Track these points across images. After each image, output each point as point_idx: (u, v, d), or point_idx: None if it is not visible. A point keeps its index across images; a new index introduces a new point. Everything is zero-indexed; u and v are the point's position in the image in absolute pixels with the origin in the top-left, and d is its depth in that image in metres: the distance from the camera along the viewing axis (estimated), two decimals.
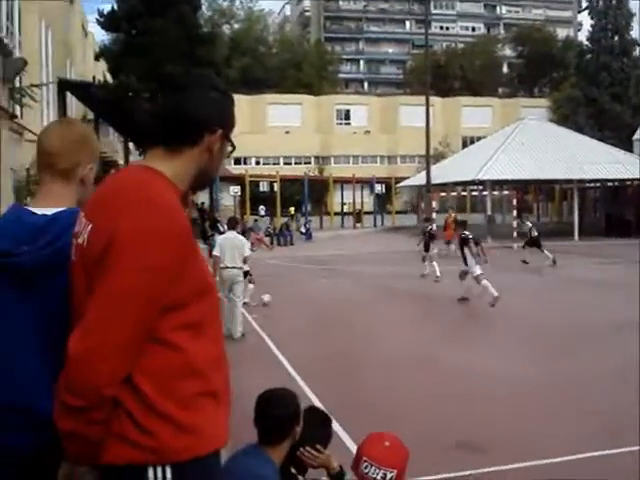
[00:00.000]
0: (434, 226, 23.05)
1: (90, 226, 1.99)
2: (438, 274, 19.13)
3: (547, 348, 11.02)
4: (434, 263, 19.85)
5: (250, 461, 3.23)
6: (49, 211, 2.37)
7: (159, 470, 1.91)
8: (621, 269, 22.34)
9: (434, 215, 30.35)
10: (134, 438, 1.89)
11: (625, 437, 6.65)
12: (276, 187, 43.40)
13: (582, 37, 56.24)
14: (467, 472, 5.76)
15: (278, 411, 3.30)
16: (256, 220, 36.26)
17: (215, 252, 11.81)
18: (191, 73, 2.20)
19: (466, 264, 15.43)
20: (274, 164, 63.63)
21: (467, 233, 15.90)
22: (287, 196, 47.03)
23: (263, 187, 44.26)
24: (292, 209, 43.84)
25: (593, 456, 6.24)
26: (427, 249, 20.54)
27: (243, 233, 14.73)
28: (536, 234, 24.38)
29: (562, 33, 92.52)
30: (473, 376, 9.15)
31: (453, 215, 28.60)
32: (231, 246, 11.77)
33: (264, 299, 14.77)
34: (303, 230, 39.69)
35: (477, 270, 15.06)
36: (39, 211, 2.39)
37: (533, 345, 11.24)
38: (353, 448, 5.97)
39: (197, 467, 1.94)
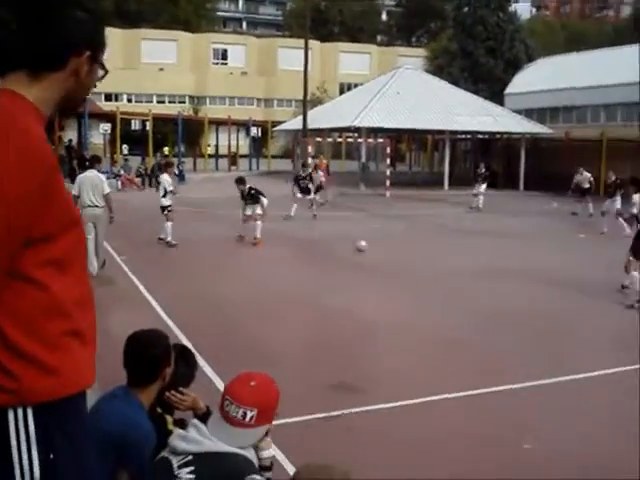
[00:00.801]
0: (309, 170, 23.10)
1: None
2: (292, 214, 20.60)
3: (418, 292, 11.30)
4: (294, 205, 20.98)
5: (118, 403, 3.10)
6: None
7: (20, 412, 1.80)
8: (486, 217, 23.15)
9: (310, 160, 30.34)
10: None
11: (498, 377, 6.90)
12: (148, 126, 42.13)
13: None
14: (339, 412, 5.81)
15: (147, 352, 3.16)
16: (126, 160, 35.16)
17: (74, 191, 11.51)
18: None
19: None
20: (147, 102, 61.59)
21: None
22: (160, 136, 45.81)
23: (135, 125, 42.85)
24: (166, 149, 42.74)
25: (461, 396, 6.43)
26: (305, 192, 21.39)
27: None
28: None
29: None
30: (348, 319, 9.25)
31: (325, 161, 28.78)
32: (91, 185, 11.81)
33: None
34: (176, 172, 38.77)
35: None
36: None
37: (405, 290, 11.49)
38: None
39: (61, 408, 1.85)
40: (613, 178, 21.39)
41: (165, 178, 15.91)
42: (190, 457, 2.65)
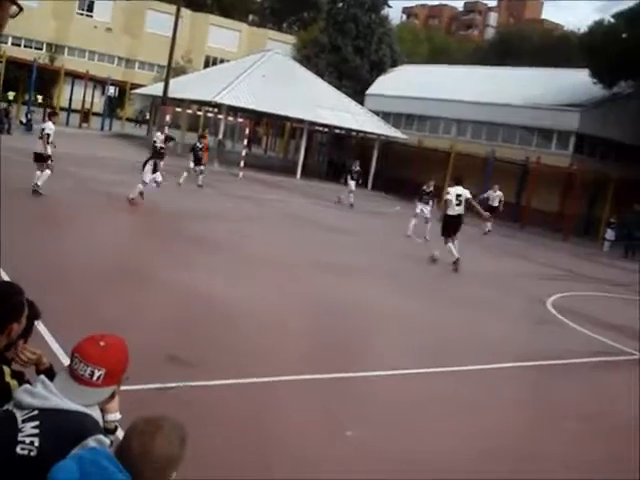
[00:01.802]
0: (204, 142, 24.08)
1: None
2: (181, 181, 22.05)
3: (257, 276, 11.49)
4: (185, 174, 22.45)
5: None
6: None
7: None
8: (335, 212, 23.70)
9: (166, 130, 29.78)
10: None
11: (324, 365, 7.18)
12: (1, 68, 39.85)
13: None
14: (173, 384, 5.88)
15: None
16: None
17: None
18: None
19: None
20: (1, 42, 58.22)
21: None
22: (11, 80, 43.40)
23: None
24: (11, 94, 40.46)
25: (294, 380, 6.67)
26: (197, 163, 23.10)
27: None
28: None
29: None
30: (188, 295, 9.29)
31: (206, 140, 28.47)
32: None
33: None
34: (24, 120, 36.98)
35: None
36: None
37: (245, 271, 11.64)
38: (59, 352, 5.84)
39: None
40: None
41: (49, 125, 16.05)
42: (35, 412, 2.64)
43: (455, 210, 15.63)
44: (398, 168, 37.85)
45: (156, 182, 18.09)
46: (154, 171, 18.18)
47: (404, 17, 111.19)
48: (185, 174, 22.56)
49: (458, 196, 15.76)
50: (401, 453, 5.43)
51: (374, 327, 9.50)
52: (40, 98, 47.97)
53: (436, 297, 12.53)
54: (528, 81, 38.04)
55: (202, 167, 23.53)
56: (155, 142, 21.68)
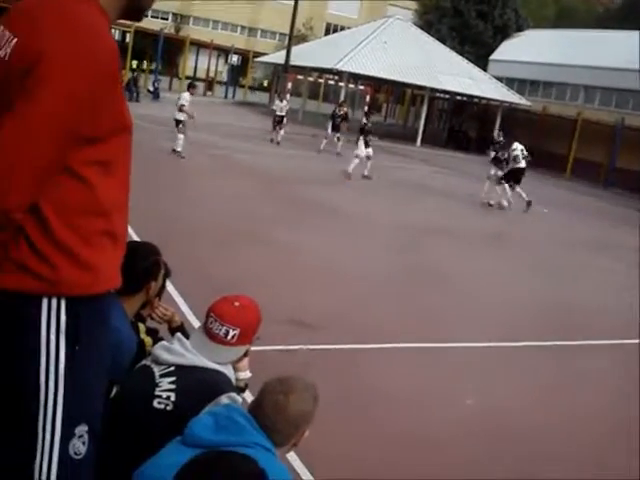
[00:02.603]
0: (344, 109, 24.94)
1: (15, 40, 1.85)
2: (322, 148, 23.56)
3: (381, 243, 11.49)
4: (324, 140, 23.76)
5: None
6: None
7: (54, 301, 1.88)
8: (454, 180, 23.35)
9: (288, 97, 30.06)
10: (33, 267, 1.85)
11: (445, 333, 7.14)
12: (128, 38, 41.25)
13: None
14: (298, 346, 6.00)
15: (138, 262, 3.20)
16: None
17: None
18: None
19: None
20: None
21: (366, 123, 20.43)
22: (138, 50, 44.88)
23: (115, 35, 41.85)
24: (135, 62, 41.78)
25: (413, 347, 6.67)
26: (335, 130, 24.11)
27: None
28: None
29: None
30: (311, 258, 9.42)
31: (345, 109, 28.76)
32: None
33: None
34: (151, 88, 38.24)
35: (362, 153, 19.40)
36: None
37: (370, 240, 11.67)
38: (187, 312, 6.05)
39: (91, 304, 1.93)
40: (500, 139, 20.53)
41: (184, 96, 18.10)
42: (172, 368, 2.76)
43: (523, 163, 18.27)
44: (522, 136, 36.72)
45: (368, 157, 19.41)
46: (366, 146, 19.55)
47: None
48: (325, 140, 23.73)
49: (522, 150, 18.44)
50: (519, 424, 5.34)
51: (482, 296, 9.35)
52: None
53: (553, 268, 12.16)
54: None
55: (338, 134, 24.17)
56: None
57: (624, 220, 20.60)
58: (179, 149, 17.18)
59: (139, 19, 2.09)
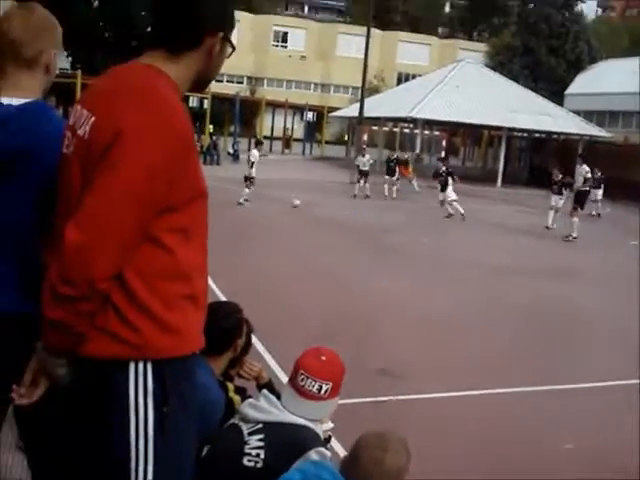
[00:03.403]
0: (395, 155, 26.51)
1: (93, 119, 1.95)
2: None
3: (456, 282, 11.38)
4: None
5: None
6: (16, 102, 2.29)
7: (140, 365, 1.94)
8: (536, 218, 22.90)
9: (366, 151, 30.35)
10: (120, 333, 1.92)
11: (543, 377, 6.96)
12: (206, 104, 42.51)
13: None
14: (387, 398, 5.95)
15: (224, 321, 3.30)
16: None
17: None
18: None
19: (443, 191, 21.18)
20: None
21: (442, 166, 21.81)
22: (216, 114, 46.16)
23: (193, 103, 43.28)
24: (210, 127, 42.90)
25: (507, 392, 6.52)
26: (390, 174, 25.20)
27: None
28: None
29: None
30: (396, 307, 9.39)
31: (406, 156, 30.22)
32: None
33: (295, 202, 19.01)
34: (231, 151, 39.19)
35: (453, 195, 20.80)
36: (5, 101, 2.29)
37: (445, 279, 11.57)
38: (276, 367, 6.09)
39: (176, 367, 1.99)
40: (560, 177, 20.46)
41: (254, 153, 19.44)
42: (260, 425, 2.79)
43: (587, 186, 19.13)
44: (605, 167, 36.03)
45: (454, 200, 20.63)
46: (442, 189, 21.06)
47: (599, 11, 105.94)
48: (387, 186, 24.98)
49: (589, 172, 19.15)
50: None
51: (582, 334, 9.08)
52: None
53: None
54: None
55: (394, 178, 25.34)
56: (358, 166, 24.83)
57: None
58: (241, 200, 18.76)
59: (205, 89, 2.20)
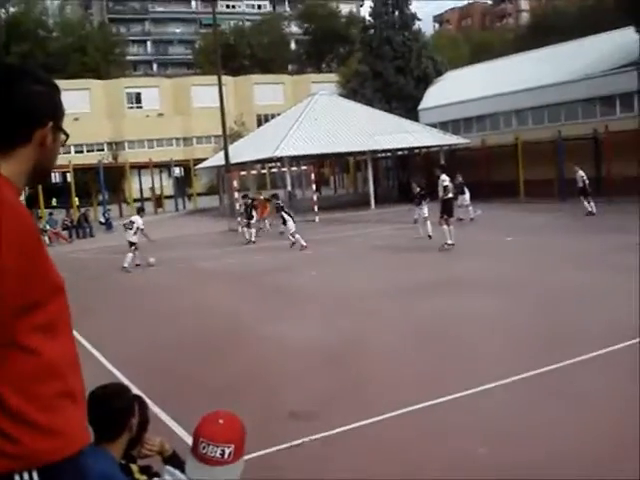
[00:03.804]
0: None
1: None
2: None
3: (351, 312, 11.47)
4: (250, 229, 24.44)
5: (90, 460, 3.11)
6: None
7: (25, 476, 1.86)
8: (413, 232, 23.53)
9: (236, 194, 30.41)
10: None
11: (440, 388, 7.10)
12: (69, 177, 41.61)
13: (365, 12, 58.24)
14: (301, 440, 5.91)
15: (113, 405, 3.23)
16: (51, 214, 34.57)
17: None
18: (8, 69, 2.10)
19: (285, 225, 22.00)
20: (65, 153, 60.66)
21: (279, 202, 22.98)
22: (82, 185, 45.22)
23: (55, 178, 42.29)
24: (76, 199, 42.03)
25: (418, 408, 6.60)
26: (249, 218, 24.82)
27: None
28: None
29: (345, 9, 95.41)
30: (291, 348, 9.36)
31: (261, 196, 30.22)
32: None
33: (150, 260, 19.13)
34: (102, 220, 38.36)
35: (293, 228, 21.55)
36: None
37: (347, 313, 11.64)
38: (182, 434, 5.95)
39: (64, 468, 1.92)
40: (418, 189, 22.13)
41: (137, 219, 19.81)
42: None
43: (451, 194, 19.25)
44: (469, 172, 37.51)
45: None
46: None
47: (437, 26, 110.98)
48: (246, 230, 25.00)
49: (450, 181, 19.30)
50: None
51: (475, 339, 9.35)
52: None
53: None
54: (576, 54, 37.27)
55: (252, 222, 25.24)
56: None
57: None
58: (137, 261, 19.27)
59: (45, 180, 2.14)
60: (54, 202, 40.93)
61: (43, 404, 1.89)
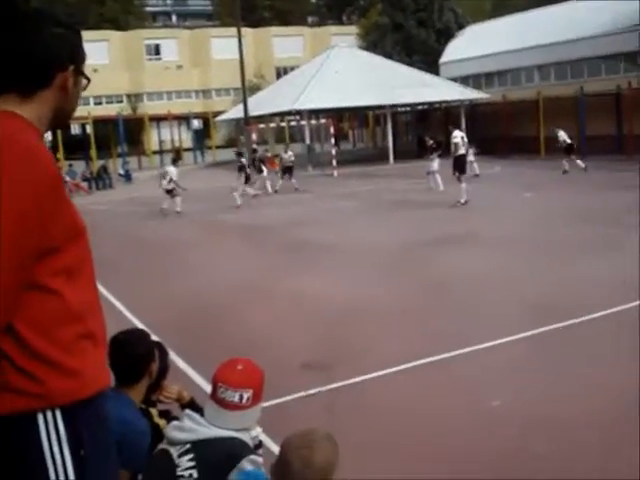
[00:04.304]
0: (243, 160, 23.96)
1: None
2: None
3: (375, 268, 11.54)
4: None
5: (112, 404, 3.20)
6: None
7: (49, 415, 1.91)
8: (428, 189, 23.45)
9: (255, 147, 30.40)
10: (20, 386, 1.88)
11: (451, 343, 7.19)
12: (89, 129, 41.66)
13: None
14: (314, 390, 6.04)
15: (134, 350, 3.29)
16: (70, 165, 34.71)
17: None
18: (29, 12, 2.10)
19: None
20: (84, 105, 60.52)
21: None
22: (101, 137, 45.24)
23: (75, 130, 42.36)
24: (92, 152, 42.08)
25: (428, 362, 6.71)
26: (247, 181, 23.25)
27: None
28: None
29: None
30: (309, 301, 9.47)
31: (268, 153, 30.53)
32: None
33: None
34: (122, 172, 38.51)
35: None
36: None
37: (362, 268, 11.71)
38: (201, 382, 6.09)
39: (86, 409, 1.97)
40: (430, 142, 22.92)
41: (171, 170, 20.73)
42: (188, 445, 2.81)
43: (463, 150, 18.78)
44: (489, 128, 37.21)
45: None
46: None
47: None
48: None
49: (462, 137, 18.95)
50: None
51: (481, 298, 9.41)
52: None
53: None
54: (597, 9, 36.44)
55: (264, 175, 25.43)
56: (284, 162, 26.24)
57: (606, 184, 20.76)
58: (178, 208, 19.96)
59: (66, 124, 2.18)
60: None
61: (65, 346, 1.93)
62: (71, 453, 1.93)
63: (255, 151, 27.70)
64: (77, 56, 2.09)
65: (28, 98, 1.99)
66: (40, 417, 1.91)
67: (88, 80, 2.14)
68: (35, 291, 1.90)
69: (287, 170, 25.95)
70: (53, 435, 1.91)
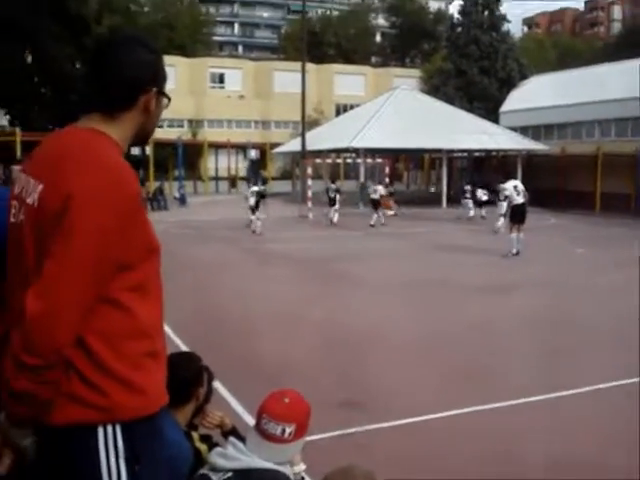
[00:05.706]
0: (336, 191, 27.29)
1: (41, 186, 1.97)
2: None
3: (416, 304, 11.50)
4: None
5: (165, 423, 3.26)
6: None
7: (109, 429, 1.96)
8: (482, 236, 23.33)
9: (309, 182, 30.61)
10: (86, 397, 1.93)
11: (492, 394, 7.10)
12: (148, 150, 42.46)
13: (453, 10, 57.65)
14: (352, 430, 6.02)
15: (182, 373, 3.32)
16: None
17: None
18: (118, 35, 2.21)
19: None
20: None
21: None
22: (159, 159, 46.06)
23: (134, 150, 43.18)
24: (140, 172, 42.76)
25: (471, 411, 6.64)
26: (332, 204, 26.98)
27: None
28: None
29: (434, 5, 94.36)
30: (350, 336, 9.46)
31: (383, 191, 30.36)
32: None
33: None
34: (177, 195, 39.10)
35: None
36: None
37: (403, 303, 11.68)
38: (242, 412, 6.12)
39: (145, 424, 2.02)
40: (468, 187, 25.21)
41: (254, 188, 24.40)
42: (230, 474, 2.80)
43: (521, 199, 17.85)
44: (545, 180, 36.89)
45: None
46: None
47: (525, 28, 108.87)
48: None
49: (515, 187, 18.07)
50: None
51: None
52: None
53: None
54: None
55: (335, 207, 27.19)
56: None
57: None
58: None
59: (147, 142, 2.27)
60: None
61: (132, 361, 1.98)
62: (126, 467, 1.97)
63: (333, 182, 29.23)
64: (159, 77, 2.18)
65: (112, 118, 2.08)
66: (100, 430, 1.95)
67: (169, 99, 2.21)
68: (107, 305, 1.95)
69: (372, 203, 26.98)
70: (111, 449, 1.95)
